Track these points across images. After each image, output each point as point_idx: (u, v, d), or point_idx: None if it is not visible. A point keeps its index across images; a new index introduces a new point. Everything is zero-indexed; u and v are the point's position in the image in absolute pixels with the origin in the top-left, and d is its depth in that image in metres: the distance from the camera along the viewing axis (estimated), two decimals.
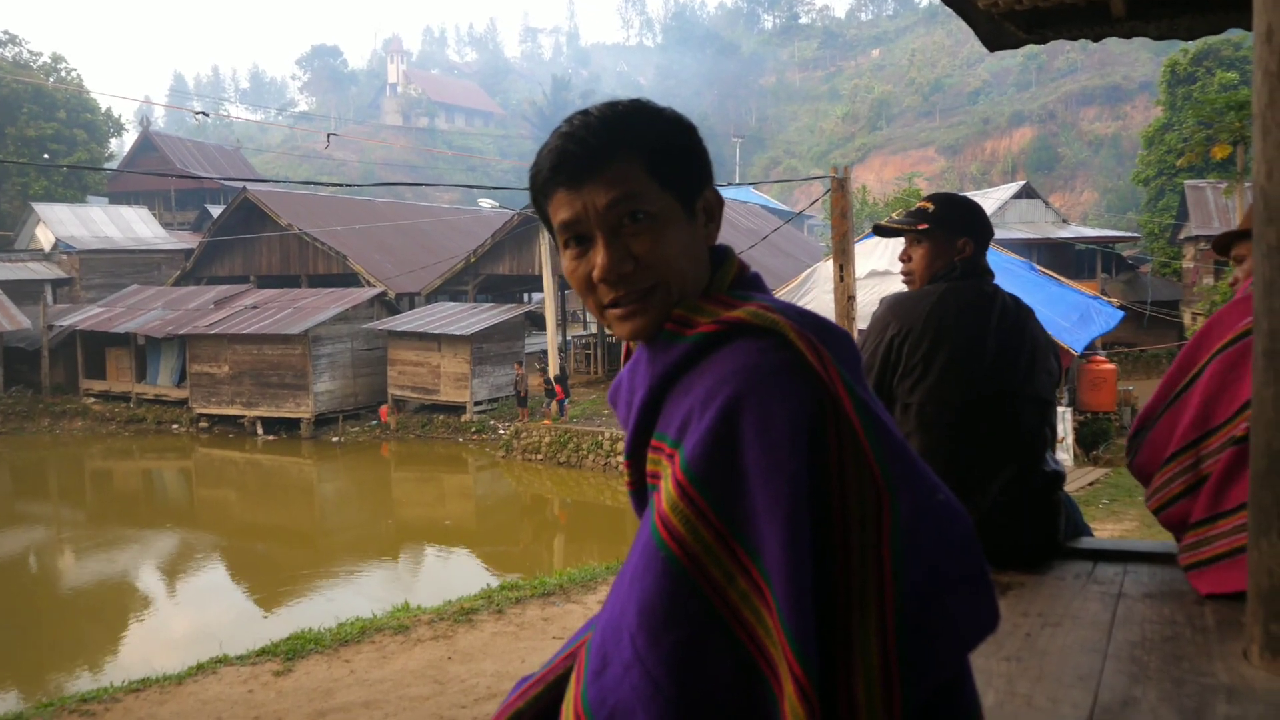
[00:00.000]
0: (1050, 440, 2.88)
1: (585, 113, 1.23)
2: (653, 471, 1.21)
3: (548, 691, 1.34)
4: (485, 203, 38.06)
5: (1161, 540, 2.96)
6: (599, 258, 1.20)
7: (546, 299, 24.58)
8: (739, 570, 1.07)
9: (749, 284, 1.27)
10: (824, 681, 1.03)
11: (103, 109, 49.52)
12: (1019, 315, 2.83)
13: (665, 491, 1.11)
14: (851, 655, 1.05)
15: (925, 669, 1.08)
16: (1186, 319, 31.96)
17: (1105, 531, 12.00)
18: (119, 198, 47.40)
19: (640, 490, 1.28)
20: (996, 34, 3.34)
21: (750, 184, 56.01)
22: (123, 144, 62.12)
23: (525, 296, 34.80)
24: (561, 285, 29.35)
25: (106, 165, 48.46)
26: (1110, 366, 18.50)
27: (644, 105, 1.25)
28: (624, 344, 1.36)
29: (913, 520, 1.10)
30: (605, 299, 1.23)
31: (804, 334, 1.12)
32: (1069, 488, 3.21)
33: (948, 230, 2.87)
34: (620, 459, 20.69)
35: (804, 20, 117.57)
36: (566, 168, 1.20)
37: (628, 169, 1.19)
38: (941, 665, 1.12)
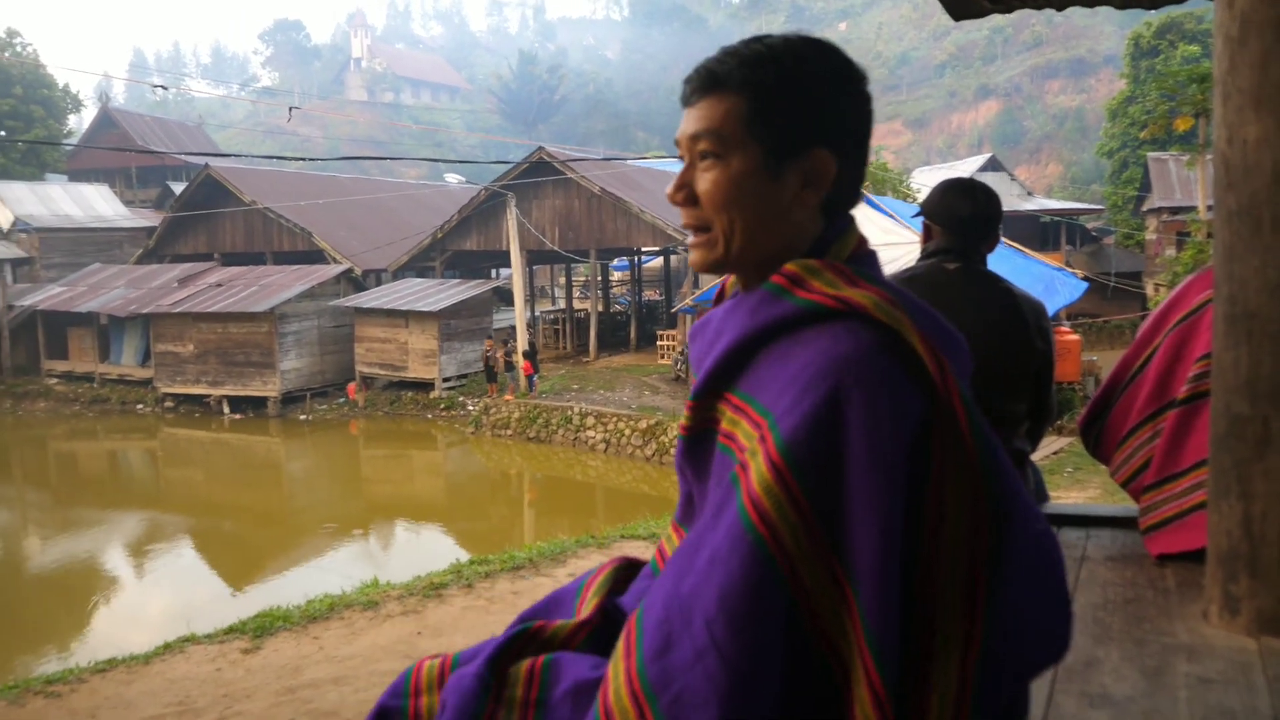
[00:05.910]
0: (1022, 417, 2.81)
1: (756, 38, 1.20)
2: (727, 431, 1.16)
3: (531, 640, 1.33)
4: (451, 178, 37.85)
5: (1123, 505, 3.01)
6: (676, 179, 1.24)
7: (514, 274, 24.46)
8: (823, 566, 1.02)
9: (865, 261, 1.20)
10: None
11: (60, 85, 48.74)
12: (979, 292, 2.75)
13: (757, 470, 1.05)
14: (930, 671, 1.03)
15: (995, 690, 1.07)
16: (1149, 290, 32.32)
17: (1069, 498, 12.15)
18: (79, 175, 46.68)
19: (696, 437, 1.23)
20: (961, 4, 3.33)
21: None
22: (81, 121, 61.00)
23: (493, 272, 34.64)
24: (529, 261, 29.24)
25: (65, 142, 47.69)
26: (1075, 337, 18.69)
27: (798, 48, 1.18)
28: (719, 287, 1.34)
29: (1011, 547, 1.08)
30: (683, 220, 1.24)
31: (926, 341, 1.07)
32: (1033, 456, 3.22)
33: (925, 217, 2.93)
34: (590, 433, 20.79)
35: None
36: (687, 88, 1.22)
37: (723, 108, 1.17)
38: (1011, 687, 1.12)
